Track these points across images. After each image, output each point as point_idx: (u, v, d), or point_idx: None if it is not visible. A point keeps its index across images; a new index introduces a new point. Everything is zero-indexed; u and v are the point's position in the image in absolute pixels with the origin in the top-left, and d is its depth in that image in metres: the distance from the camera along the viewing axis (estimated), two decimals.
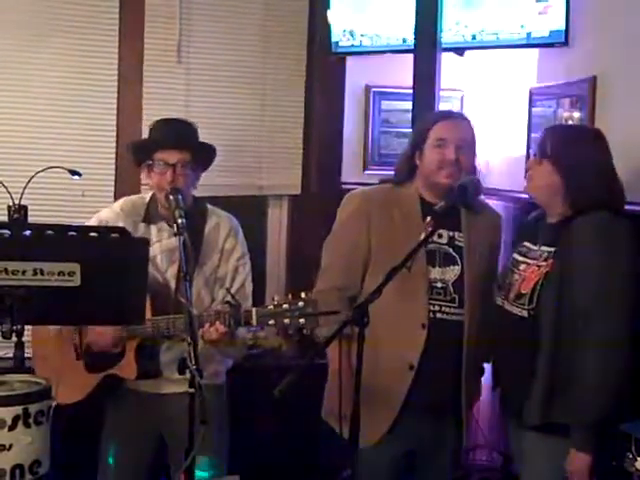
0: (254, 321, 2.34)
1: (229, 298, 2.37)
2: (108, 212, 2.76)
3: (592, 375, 2.14)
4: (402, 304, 2.44)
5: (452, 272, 2.50)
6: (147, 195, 2.76)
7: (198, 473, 2.30)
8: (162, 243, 2.65)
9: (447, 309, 2.48)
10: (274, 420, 3.46)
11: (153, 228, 2.67)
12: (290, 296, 2.31)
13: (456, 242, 2.53)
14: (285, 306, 2.29)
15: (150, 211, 2.70)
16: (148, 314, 2.43)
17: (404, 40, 3.67)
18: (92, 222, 2.73)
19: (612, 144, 2.34)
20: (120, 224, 2.62)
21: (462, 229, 2.54)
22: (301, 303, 2.29)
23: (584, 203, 2.24)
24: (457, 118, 2.57)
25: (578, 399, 2.16)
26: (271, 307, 2.32)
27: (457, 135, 2.49)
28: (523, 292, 2.29)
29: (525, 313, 2.27)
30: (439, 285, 2.48)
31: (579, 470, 2.17)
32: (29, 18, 3.54)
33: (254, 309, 2.36)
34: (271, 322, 2.31)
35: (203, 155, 2.68)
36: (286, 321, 2.29)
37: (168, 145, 2.58)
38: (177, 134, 2.64)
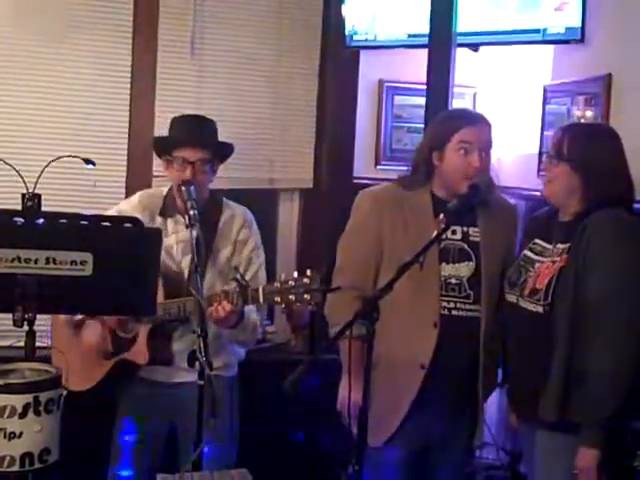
0: (261, 298, 2.38)
1: (237, 277, 2.39)
2: (126, 204, 2.81)
3: (603, 371, 2.14)
4: (414, 302, 2.44)
5: (467, 268, 2.49)
6: (164, 188, 2.78)
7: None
8: (178, 235, 2.68)
9: (462, 305, 2.47)
10: (284, 414, 3.46)
11: (170, 221, 2.71)
12: (296, 274, 2.35)
13: (471, 237, 2.52)
14: (291, 283, 2.33)
15: (167, 204, 2.73)
16: (161, 300, 2.46)
17: (418, 35, 3.66)
18: (111, 214, 2.74)
19: (627, 142, 2.33)
20: (137, 215, 2.63)
21: (478, 224, 2.53)
22: (306, 280, 2.32)
23: (600, 201, 2.24)
24: (481, 123, 2.52)
25: (589, 395, 2.16)
26: (277, 284, 2.35)
27: (482, 141, 2.47)
28: (538, 288, 2.28)
29: (540, 309, 2.26)
30: (453, 281, 2.48)
31: (588, 467, 2.16)
32: (45, 11, 3.54)
33: (260, 287, 2.40)
34: (277, 299, 2.35)
35: (222, 153, 2.71)
36: (291, 297, 2.32)
37: (189, 144, 2.60)
38: (198, 133, 2.67)
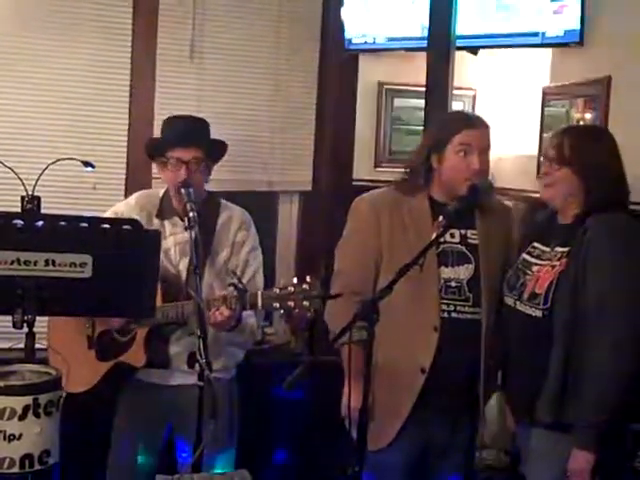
0: (259, 304, 2.37)
1: (235, 281, 2.38)
2: (123, 205, 2.80)
3: (599, 374, 2.14)
4: (413, 306, 2.43)
5: (466, 271, 2.49)
6: (161, 190, 2.78)
7: None
8: (176, 237, 2.67)
9: (462, 308, 2.46)
10: (284, 416, 3.46)
11: (167, 223, 2.70)
12: (295, 279, 2.34)
13: (469, 240, 2.52)
14: (290, 289, 2.32)
15: (163, 206, 2.72)
16: (158, 303, 2.46)
17: (418, 38, 3.66)
18: (108, 215, 2.74)
19: (627, 145, 2.33)
20: (134, 217, 2.63)
21: (476, 226, 2.53)
22: (305, 286, 2.31)
23: (599, 204, 2.24)
24: (481, 126, 2.51)
25: (583, 397, 2.16)
26: (276, 290, 2.34)
27: (481, 143, 2.47)
28: (537, 292, 2.27)
29: (539, 313, 2.26)
30: (453, 284, 2.47)
31: (580, 469, 2.15)
32: (44, 14, 3.55)
33: (259, 292, 2.39)
34: (276, 305, 2.34)
35: (215, 151, 2.71)
36: (290, 303, 2.31)
37: (181, 143, 2.60)
38: (190, 132, 2.66)
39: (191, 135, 2.64)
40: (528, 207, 3.16)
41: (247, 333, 2.63)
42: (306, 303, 2.30)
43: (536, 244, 2.40)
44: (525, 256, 2.41)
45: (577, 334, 2.19)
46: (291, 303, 2.31)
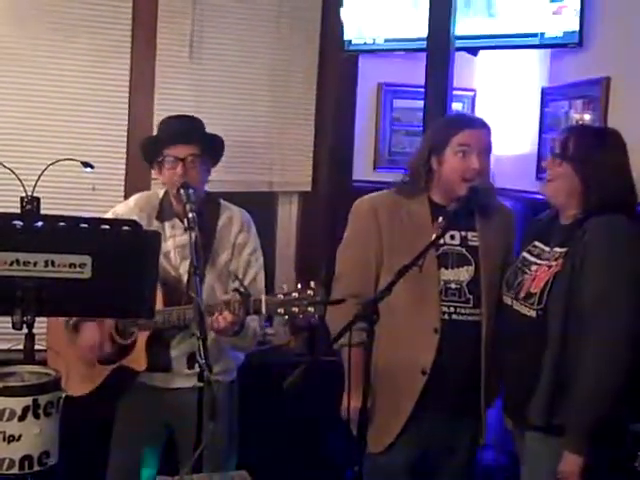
0: (263, 310, 2.36)
1: (238, 286, 2.38)
2: (123, 207, 2.78)
3: (588, 376, 2.13)
4: (414, 308, 2.44)
5: (466, 272, 2.49)
6: (160, 191, 2.76)
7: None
8: (176, 239, 2.66)
9: (462, 310, 2.47)
10: (284, 416, 3.46)
11: (167, 225, 2.69)
12: (299, 285, 2.33)
13: (469, 242, 2.52)
14: (294, 295, 2.31)
15: (163, 208, 2.71)
16: (160, 306, 2.45)
17: (417, 39, 3.66)
18: (108, 217, 2.74)
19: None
20: (134, 218, 2.62)
21: (476, 228, 2.53)
22: (310, 292, 2.30)
23: (600, 205, 2.23)
24: (480, 126, 2.52)
25: (574, 400, 2.15)
26: (280, 296, 2.33)
27: (480, 143, 2.47)
28: (533, 292, 2.27)
29: (534, 313, 2.26)
30: (453, 286, 2.47)
31: (571, 472, 2.15)
32: (43, 13, 3.55)
33: (263, 297, 2.38)
34: (280, 310, 2.33)
35: (212, 147, 2.70)
36: (294, 309, 2.30)
37: (176, 140, 2.59)
38: (184, 129, 2.66)
39: (186, 132, 2.64)
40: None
41: (249, 338, 2.61)
42: (311, 309, 2.30)
43: (537, 243, 2.40)
44: (525, 254, 2.41)
45: (571, 335, 2.18)
46: (295, 309, 2.30)
